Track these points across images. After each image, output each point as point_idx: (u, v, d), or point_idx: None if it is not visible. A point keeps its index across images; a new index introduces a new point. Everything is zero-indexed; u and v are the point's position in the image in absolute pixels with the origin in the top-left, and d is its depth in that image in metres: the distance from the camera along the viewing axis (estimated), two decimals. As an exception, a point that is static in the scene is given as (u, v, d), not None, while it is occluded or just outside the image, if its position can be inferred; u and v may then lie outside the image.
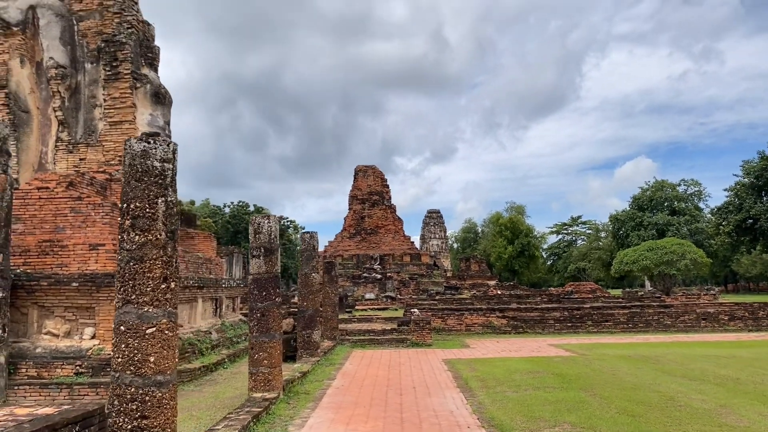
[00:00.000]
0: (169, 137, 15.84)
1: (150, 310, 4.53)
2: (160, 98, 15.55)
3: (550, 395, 9.00)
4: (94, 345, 9.75)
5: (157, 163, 4.70)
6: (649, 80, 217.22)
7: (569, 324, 20.87)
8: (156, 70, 16.11)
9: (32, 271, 10.11)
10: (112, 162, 14.63)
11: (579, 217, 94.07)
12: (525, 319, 21.00)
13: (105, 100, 15.07)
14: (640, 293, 29.68)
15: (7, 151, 9.44)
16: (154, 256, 4.58)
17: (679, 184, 70.84)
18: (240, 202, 73.91)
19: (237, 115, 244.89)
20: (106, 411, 4.45)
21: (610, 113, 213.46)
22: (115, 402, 4.43)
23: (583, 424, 7.07)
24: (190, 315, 13.38)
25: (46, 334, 9.84)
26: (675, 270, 49.14)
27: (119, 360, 4.47)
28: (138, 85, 15.23)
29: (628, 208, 69.52)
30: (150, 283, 4.55)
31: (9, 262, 9.41)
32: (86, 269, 10.30)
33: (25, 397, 9.11)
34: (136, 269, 4.55)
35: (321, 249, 46.61)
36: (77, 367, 9.43)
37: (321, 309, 17.16)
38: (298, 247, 14.84)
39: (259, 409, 7.65)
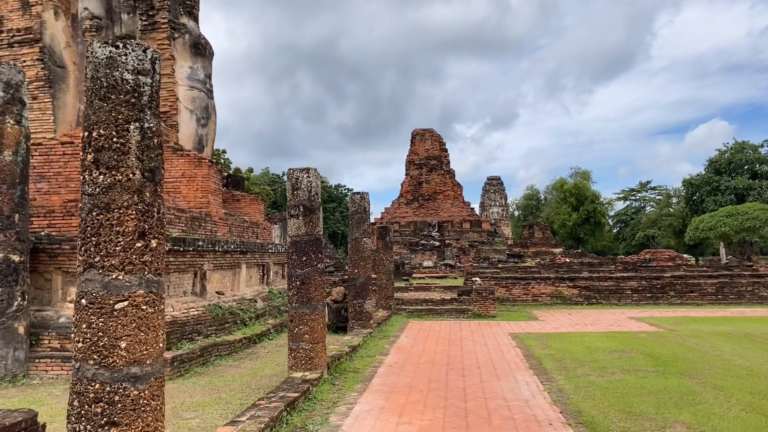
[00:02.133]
0: (211, 92, 14.75)
1: (120, 276, 3.28)
2: (200, 49, 14.42)
3: (646, 382, 7.43)
4: (121, 315, 8.80)
5: (128, 76, 3.40)
6: (725, 37, 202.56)
7: (648, 295, 18.91)
8: (196, 20, 14.96)
9: (56, 234, 9.22)
10: (151, 119, 13.66)
11: (648, 182, 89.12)
12: (598, 289, 19.18)
13: (142, 53, 14.06)
14: (725, 261, 27.07)
15: (20, 99, 8.46)
16: (125, 203, 3.32)
17: (762, 145, 65.44)
18: (298, 169, 73.49)
19: (296, 84, 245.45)
20: (66, 416, 3.27)
21: (681, 74, 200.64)
22: (75, 402, 3.23)
23: (702, 425, 5.50)
24: (233, 282, 12.38)
25: (70, 302, 8.95)
26: (758, 237, 45.55)
27: (80, 345, 3.26)
28: (176, 35, 14.14)
29: (704, 172, 64.98)
30: (120, 239, 3.30)
31: (27, 223, 8.52)
32: (113, 232, 9.33)
33: (46, 371, 8.28)
34: (101, 221, 3.30)
35: (378, 216, 45.49)
36: (102, 339, 8.50)
37: (374, 277, 15.96)
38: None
39: (296, 394, 6.46)
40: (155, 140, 3.49)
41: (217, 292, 11.45)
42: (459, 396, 7.04)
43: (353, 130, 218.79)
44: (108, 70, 3.37)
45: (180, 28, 14.20)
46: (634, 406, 6.25)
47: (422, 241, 36.61)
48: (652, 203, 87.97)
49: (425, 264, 31.86)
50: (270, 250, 14.51)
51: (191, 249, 10.12)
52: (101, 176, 3.31)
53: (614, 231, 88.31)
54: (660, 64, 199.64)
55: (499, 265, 25.00)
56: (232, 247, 11.94)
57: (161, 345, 3.46)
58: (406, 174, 46.71)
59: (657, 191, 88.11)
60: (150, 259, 3.40)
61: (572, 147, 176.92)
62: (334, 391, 7.38)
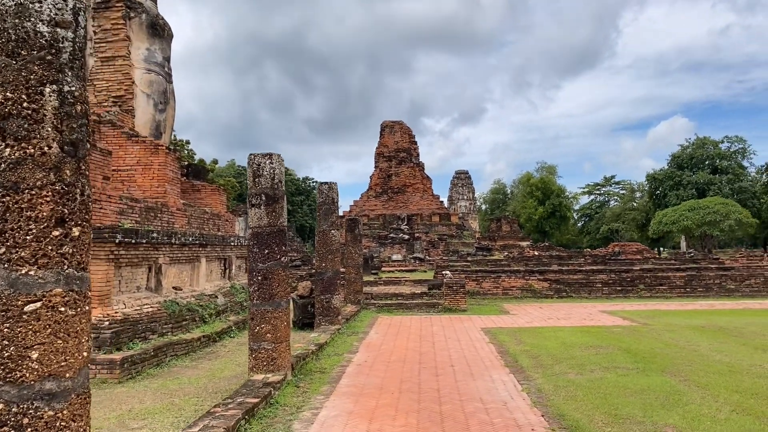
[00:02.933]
0: (170, 76, 13.95)
1: (32, 272, 2.68)
2: (158, 30, 13.60)
3: (628, 381, 7.09)
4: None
5: (43, 28, 2.79)
6: (686, 36, 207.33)
7: (618, 288, 18.82)
8: (153, -1, 14.12)
9: None
10: (105, 103, 12.84)
11: (612, 177, 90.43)
12: (568, 283, 19.01)
13: (95, 33, 13.21)
14: (690, 254, 27.33)
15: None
16: (39, 183, 2.71)
17: (722, 141, 66.96)
18: (264, 161, 72.15)
19: (263, 76, 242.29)
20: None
21: (644, 71, 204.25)
22: (-27, 427, 2.63)
23: (694, 429, 5.14)
24: (192, 276, 11.70)
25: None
26: (718, 230, 46.54)
27: (-20, 356, 2.65)
28: (132, 14, 13.29)
29: (667, 167, 66.12)
30: (31, 227, 2.69)
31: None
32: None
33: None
34: (7, 204, 2.69)
35: (346, 209, 44.89)
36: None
37: (343, 271, 15.43)
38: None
39: (256, 400, 5.90)
40: (79, 107, 2.89)
41: (174, 288, 10.76)
42: (433, 398, 6.57)
43: (321, 122, 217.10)
44: (17, 20, 2.75)
45: (136, 8, 13.36)
46: (620, 407, 5.88)
47: (391, 235, 36.18)
48: (616, 197, 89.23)
49: (394, 257, 31.44)
50: (232, 243, 13.83)
51: (145, 241, 9.42)
52: (8, 149, 2.70)
53: (579, 225, 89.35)
54: (624, 61, 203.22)
55: (469, 258, 24.73)
56: (191, 239, 11.26)
57: (85, 354, 2.87)
58: (376, 166, 46.23)
59: (621, 186, 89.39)
60: (71, 251, 2.80)
61: (538, 142, 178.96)
62: (298, 394, 6.85)
